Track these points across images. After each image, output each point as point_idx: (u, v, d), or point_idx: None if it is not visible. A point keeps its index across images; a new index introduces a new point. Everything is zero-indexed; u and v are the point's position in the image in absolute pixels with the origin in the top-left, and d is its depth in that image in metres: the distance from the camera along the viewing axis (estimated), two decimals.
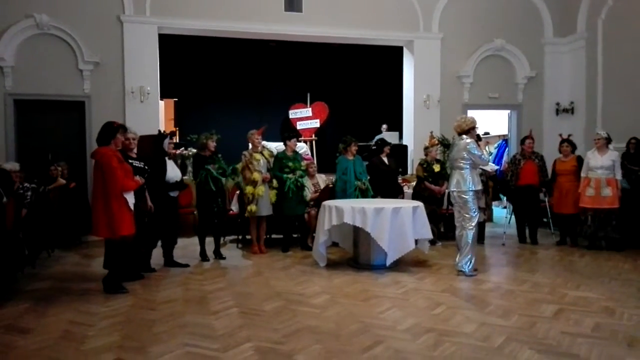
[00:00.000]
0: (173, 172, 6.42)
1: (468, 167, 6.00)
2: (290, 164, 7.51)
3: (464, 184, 5.97)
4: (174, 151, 6.95)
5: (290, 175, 7.42)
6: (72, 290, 5.38)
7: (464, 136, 6.09)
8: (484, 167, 7.23)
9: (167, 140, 6.40)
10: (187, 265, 6.58)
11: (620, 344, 3.77)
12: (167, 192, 6.26)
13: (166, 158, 6.39)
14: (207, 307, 4.77)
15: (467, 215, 5.99)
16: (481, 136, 6.61)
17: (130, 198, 5.26)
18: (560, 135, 8.38)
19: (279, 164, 7.54)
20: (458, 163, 6.05)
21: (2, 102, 8.96)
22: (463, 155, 6.01)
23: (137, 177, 5.44)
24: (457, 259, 6.11)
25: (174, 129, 6.94)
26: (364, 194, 7.61)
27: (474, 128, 6.20)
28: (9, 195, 5.95)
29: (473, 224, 5.98)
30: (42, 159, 8.37)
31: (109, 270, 5.33)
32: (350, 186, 7.65)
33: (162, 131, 6.38)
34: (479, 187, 6.14)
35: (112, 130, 5.31)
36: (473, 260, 6.04)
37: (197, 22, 9.88)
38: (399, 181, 8.64)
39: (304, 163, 7.93)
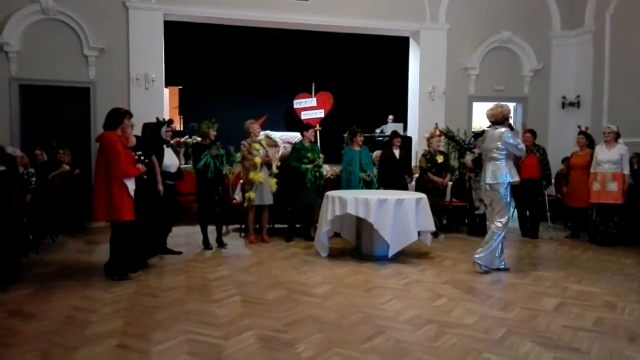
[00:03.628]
0: (170, 160, 6.40)
1: (503, 157, 5.67)
2: (309, 154, 7.52)
3: (500, 176, 5.63)
4: (173, 139, 6.94)
5: (309, 166, 7.43)
6: (75, 276, 5.40)
7: (498, 126, 5.76)
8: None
9: (164, 128, 6.35)
10: (180, 253, 6.61)
11: (621, 339, 3.77)
12: (163, 179, 6.21)
13: (164, 146, 6.36)
14: (209, 295, 4.79)
15: (497, 209, 5.68)
16: (513, 127, 6.27)
17: (131, 184, 5.26)
18: (579, 126, 8.30)
19: (297, 154, 7.55)
20: (492, 153, 5.72)
21: (7, 87, 8.98)
22: (497, 145, 5.66)
23: (140, 165, 5.45)
24: (478, 250, 5.76)
25: (170, 118, 6.94)
26: (368, 186, 7.61)
27: (508, 118, 5.87)
28: (12, 180, 5.96)
29: (504, 219, 5.68)
30: (47, 145, 8.39)
31: (111, 256, 5.36)
32: (355, 177, 7.65)
33: (159, 119, 6.37)
34: (516, 178, 5.74)
35: (119, 115, 5.33)
36: (496, 256, 5.72)
37: (203, 10, 9.87)
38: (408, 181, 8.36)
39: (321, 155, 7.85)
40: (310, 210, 7.70)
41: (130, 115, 5.53)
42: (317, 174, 7.52)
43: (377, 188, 7.67)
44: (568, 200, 8.06)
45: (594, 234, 7.59)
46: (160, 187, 6.03)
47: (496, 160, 5.70)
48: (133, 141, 5.75)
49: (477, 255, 5.73)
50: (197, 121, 7.76)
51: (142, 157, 5.75)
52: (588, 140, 7.97)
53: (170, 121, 6.63)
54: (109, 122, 5.31)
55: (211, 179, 6.83)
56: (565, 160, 8.68)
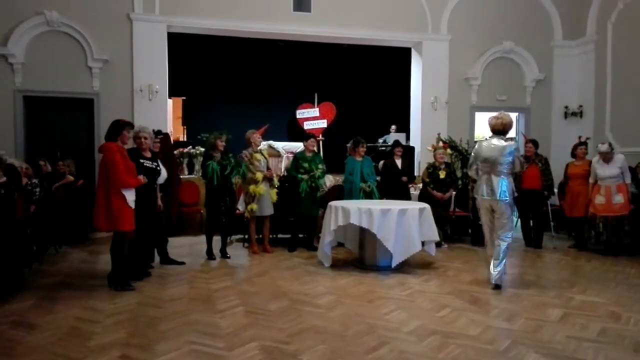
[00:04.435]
0: None
1: (509, 171, 5.43)
2: (306, 164, 7.52)
3: (509, 192, 5.38)
4: (176, 149, 6.91)
5: (304, 176, 7.44)
6: (78, 287, 5.40)
7: (502, 137, 5.45)
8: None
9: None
10: (182, 263, 6.61)
11: (626, 349, 3.75)
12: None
13: None
14: (212, 305, 4.79)
15: (505, 222, 5.44)
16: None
17: (129, 195, 5.26)
18: (580, 137, 8.28)
19: (296, 164, 7.57)
20: (501, 167, 5.38)
21: (11, 99, 9.03)
22: (509, 159, 5.35)
23: (141, 177, 5.44)
24: (493, 273, 5.46)
25: (159, 129, 6.95)
26: (368, 196, 7.61)
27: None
28: (16, 191, 5.98)
29: (512, 233, 5.56)
30: (51, 156, 8.43)
31: (113, 266, 5.37)
32: (356, 188, 7.66)
33: None
34: (515, 194, 5.61)
35: (119, 127, 5.37)
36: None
37: (206, 21, 9.93)
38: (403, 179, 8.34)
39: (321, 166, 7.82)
40: (309, 221, 7.71)
41: (131, 127, 5.57)
42: (312, 184, 7.51)
43: (380, 198, 7.66)
44: (568, 210, 7.98)
45: (607, 245, 7.43)
46: (160, 203, 6.03)
47: (504, 174, 5.41)
48: (149, 153, 5.83)
49: (497, 276, 5.44)
50: (200, 132, 7.79)
51: (158, 168, 5.83)
52: (586, 151, 7.98)
53: (159, 132, 6.64)
54: (109, 133, 5.38)
55: (219, 188, 6.84)
56: None
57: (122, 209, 5.19)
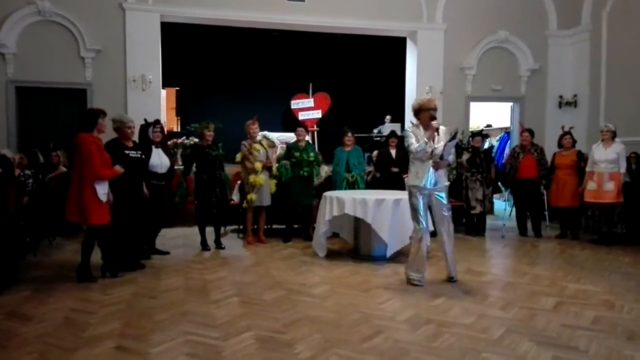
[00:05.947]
0: (158, 160, 6.30)
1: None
2: (297, 154, 7.51)
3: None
4: (170, 139, 6.91)
5: (285, 162, 7.45)
6: (73, 278, 5.37)
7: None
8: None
9: (151, 129, 6.36)
10: (167, 253, 6.63)
11: (619, 337, 3.77)
12: (150, 180, 6.12)
13: (153, 146, 6.30)
14: (207, 296, 4.79)
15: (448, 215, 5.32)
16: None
17: (100, 188, 5.16)
18: (562, 127, 8.32)
19: (288, 153, 7.58)
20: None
21: (3, 89, 8.96)
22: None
23: (117, 167, 5.32)
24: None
25: (157, 119, 6.91)
26: (351, 187, 7.58)
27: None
28: (10, 182, 5.95)
29: None
30: (44, 147, 8.37)
31: (82, 259, 5.31)
32: (340, 178, 7.65)
33: (147, 120, 6.40)
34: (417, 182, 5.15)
35: (94, 116, 5.23)
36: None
37: (200, 11, 9.85)
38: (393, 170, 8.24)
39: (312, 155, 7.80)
40: (298, 210, 7.73)
41: (104, 115, 5.35)
42: (305, 173, 7.48)
43: (363, 189, 7.64)
44: (554, 200, 7.95)
45: (599, 234, 7.50)
46: (145, 190, 5.97)
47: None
48: (131, 142, 5.78)
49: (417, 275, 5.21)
50: (194, 122, 7.76)
51: (143, 157, 5.81)
52: (573, 140, 7.99)
53: (157, 122, 6.62)
54: (84, 123, 5.26)
55: (207, 180, 6.82)
56: None
57: (92, 203, 5.10)
